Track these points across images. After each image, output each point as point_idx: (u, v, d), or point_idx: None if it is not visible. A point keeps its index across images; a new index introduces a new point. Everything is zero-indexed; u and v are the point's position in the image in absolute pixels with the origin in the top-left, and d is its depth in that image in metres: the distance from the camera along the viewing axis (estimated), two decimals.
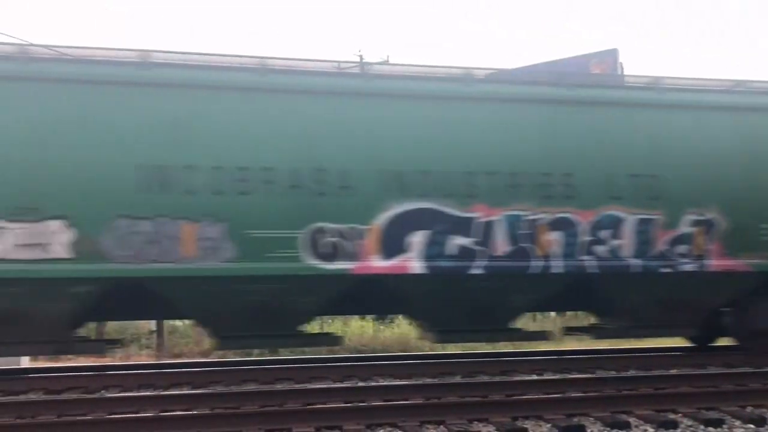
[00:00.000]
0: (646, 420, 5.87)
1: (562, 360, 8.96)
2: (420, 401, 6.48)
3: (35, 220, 7.31)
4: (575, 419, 5.88)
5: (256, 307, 7.84)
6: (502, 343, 10.66)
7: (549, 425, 5.76)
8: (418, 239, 8.06)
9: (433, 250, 8.07)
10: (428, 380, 7.82)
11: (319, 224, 7.86)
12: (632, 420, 5.85)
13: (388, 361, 9.25)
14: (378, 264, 7.96)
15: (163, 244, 7.53)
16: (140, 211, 7.49)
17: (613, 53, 10.43)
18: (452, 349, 11.77)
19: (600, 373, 8.21)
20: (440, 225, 8.11)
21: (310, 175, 7.88)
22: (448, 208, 8.14)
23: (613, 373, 8.17)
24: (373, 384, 7.60)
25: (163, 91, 7.73)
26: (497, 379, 7.82)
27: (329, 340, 8.71)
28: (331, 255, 7.88)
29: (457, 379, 7.98)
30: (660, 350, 10.09)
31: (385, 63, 11.20)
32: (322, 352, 10.48)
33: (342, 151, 7.98)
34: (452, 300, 8.27)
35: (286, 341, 8.57)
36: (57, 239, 7.34)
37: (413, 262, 8.04)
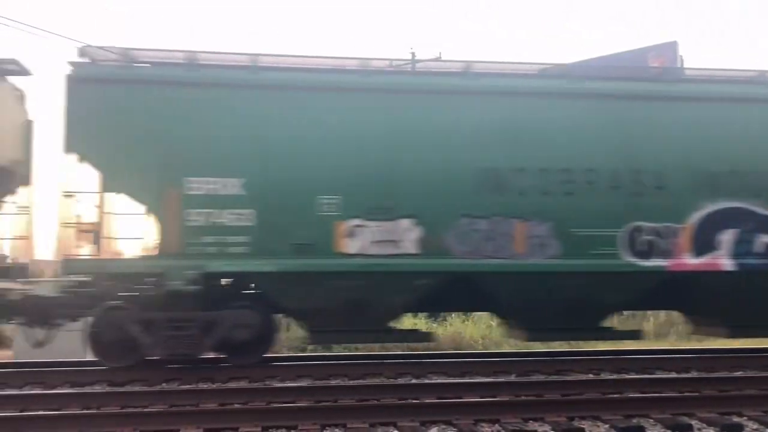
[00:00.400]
0: (709, 423, 5.71)
1: (618, 360, 8.78)
2: (474, 399, 6.43)
3: (389, 218, 8.00)
4: (634, 420, 5.76)
5: (569, 301, 8.26)
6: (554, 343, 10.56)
7: (607, 426, 5.67)
8: (727, 237, 8.42)
9: (741, 248, 8.42)
10: (482, 378, 7.78)
11: (637, 223, 8.30)
12: (694, 422, 5.71)
13: (441, 359, 9.23)
14: (691, 261, 8.33)
15: (498, 241, 8.13)
16: (478, 210, 8.10)
17: (672, 46, 10.17)
18: (505, 347, 11.64)
19: (659, 374, 8.04)
20: (749, 224, 8.47)
21: (629, 176, 8.34)
22: (756, 207, 8.49)
23: (673, 374, 7.99)
24: (427, 381, 7.61)
25: (496, 99, 8.28)
26: (553, 378, 7.74)
27: (631, 334, 8.98)
28: (647, 252, 8.30)
29: (512, 377, 7.91)
30: (724, 351, 9.76)
31: (438, 60, 11.16)
32: (374, 349, 10.51)
33: (657, 153, 8.39)
34: (755, 297, 8.48)
35: (595, 334, 8.88)
36: (407, 236, 8.03)
37: (724, 260, 8.40)
